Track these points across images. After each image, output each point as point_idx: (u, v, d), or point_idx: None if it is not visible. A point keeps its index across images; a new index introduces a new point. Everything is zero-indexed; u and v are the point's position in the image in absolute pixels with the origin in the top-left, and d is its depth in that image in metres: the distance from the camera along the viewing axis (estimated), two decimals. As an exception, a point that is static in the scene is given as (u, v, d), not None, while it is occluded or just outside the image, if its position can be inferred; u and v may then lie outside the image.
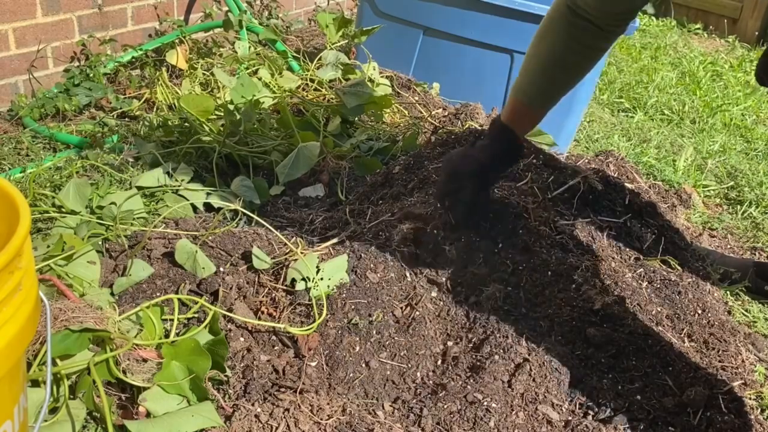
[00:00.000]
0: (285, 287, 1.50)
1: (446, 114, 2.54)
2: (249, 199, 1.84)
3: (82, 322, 1.16)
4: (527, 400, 1.28)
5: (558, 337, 1.39)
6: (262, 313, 1.45)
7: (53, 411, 1.13)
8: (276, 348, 1.38)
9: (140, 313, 1.32)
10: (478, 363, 1.35)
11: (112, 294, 1.42)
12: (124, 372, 1.20)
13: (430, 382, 1.34)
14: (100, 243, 1.58)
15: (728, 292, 1.73)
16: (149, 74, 2.58)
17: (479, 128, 2.16)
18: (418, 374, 1.35)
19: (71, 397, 1.16)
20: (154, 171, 1.83)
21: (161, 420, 1.15)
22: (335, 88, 2.36)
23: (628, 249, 1.66)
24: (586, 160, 2.05)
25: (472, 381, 1.31)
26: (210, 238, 1.60)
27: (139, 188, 1.77)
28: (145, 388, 1.20)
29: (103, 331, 1.19)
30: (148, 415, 1.18)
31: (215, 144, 2.00)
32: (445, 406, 1.27)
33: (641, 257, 1.65)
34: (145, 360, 1.24)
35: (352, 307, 1.43)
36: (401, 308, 1.46)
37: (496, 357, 1.34)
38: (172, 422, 1.14)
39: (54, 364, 1.14)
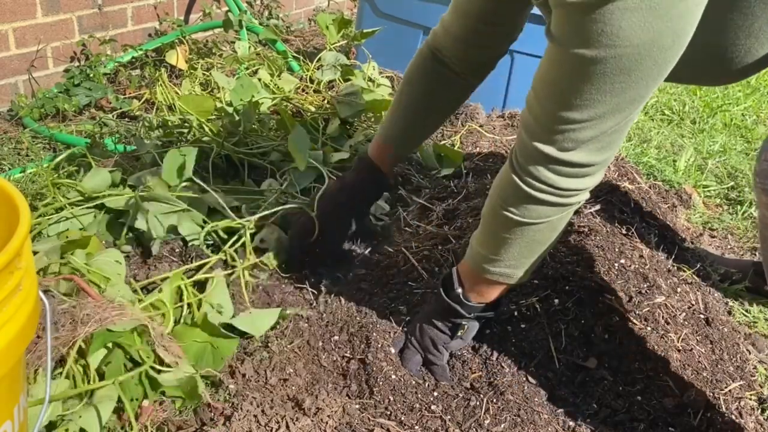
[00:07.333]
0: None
1: (446, 114, 2.54)
2: None
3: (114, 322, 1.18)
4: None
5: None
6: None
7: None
8: (276, 348, 1.38)
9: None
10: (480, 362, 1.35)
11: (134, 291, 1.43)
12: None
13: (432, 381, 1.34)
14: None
15: (728, 292, 1.73)
16: (149, 74, 2.58)
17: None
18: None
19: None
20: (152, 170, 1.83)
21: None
22: (331, 95, 2.36)
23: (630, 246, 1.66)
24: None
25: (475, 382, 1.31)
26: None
27: (132, 187, 1.77)
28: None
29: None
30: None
31: (214, 144, 2.00)
32: (450, 404, 1.27)
33: (644, 257, 1.65)
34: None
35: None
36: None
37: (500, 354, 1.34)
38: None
39: (54, 364, 1.15)
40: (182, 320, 1.38)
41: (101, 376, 1.18)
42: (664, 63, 0.92)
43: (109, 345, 1.19)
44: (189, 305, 1.40)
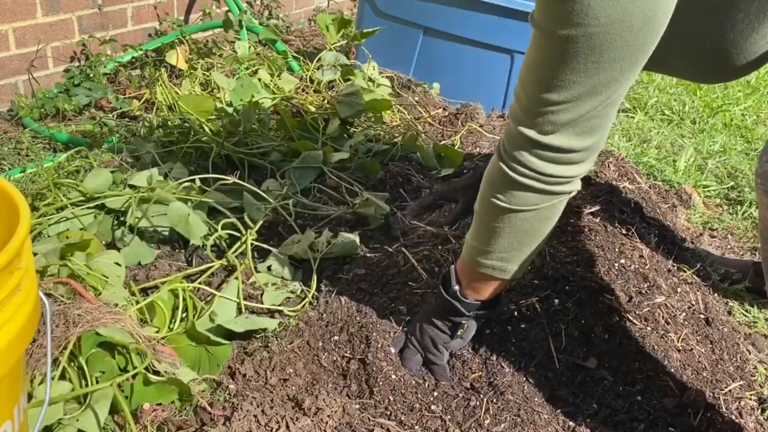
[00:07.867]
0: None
1: (446, 114, 2.54)
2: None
3: (105, 325, 1.17)
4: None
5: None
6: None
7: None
8: (276, 348, 1.38)
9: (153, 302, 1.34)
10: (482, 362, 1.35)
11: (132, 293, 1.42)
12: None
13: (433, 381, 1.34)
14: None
15: (728, 292, 1.73)
16: (149, 74, 2.58)
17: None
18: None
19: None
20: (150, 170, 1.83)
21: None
22: (331, 95, 2.36)
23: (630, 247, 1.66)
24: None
25: (477, 383, 1.31)
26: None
27: (132, 187, 1.77)
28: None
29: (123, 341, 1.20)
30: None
31: (214, 144, 2.00)
32: (450, 404, 1.27)
33: (644, 257, 1.65)
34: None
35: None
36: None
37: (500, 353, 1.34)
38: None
39: (55, 364, 1.14)
40: (178, 326, 1.37)
41: (95, 379, 1.18)
42: (636, 45, 0.94)
43: (103, 349, 1.18)
44: (186, 310, 1.40)
